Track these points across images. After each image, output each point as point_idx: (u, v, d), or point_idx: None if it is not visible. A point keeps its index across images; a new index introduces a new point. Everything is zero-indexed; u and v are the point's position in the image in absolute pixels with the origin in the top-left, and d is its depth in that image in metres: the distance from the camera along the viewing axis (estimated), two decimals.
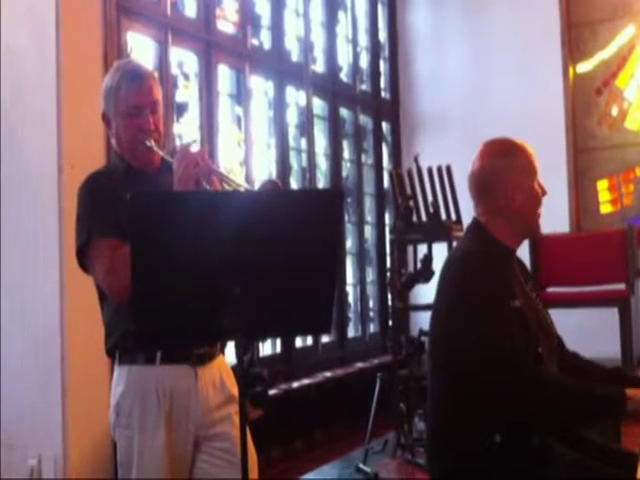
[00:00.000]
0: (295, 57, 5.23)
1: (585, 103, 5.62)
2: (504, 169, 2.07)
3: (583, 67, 5.66)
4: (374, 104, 6.07)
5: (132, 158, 2.04)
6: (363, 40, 6.11)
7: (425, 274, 3.77)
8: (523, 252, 2.19)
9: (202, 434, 1.99)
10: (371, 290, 5.92)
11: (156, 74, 3.99)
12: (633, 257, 4.66)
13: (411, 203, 4.04)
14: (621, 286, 4.58)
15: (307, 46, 5.27)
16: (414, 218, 4.02)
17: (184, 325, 1.69)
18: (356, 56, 5.93)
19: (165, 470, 1.94)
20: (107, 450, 3.25)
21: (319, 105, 5.45)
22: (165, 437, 1.94)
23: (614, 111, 5.55)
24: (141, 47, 3.97)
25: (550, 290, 4.76)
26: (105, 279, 1.92)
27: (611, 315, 4.47)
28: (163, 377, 1.96)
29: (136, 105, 2.01)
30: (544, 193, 2.12)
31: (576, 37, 5.65)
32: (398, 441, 3.63)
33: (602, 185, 5.60)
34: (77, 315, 3.19)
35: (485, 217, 2.12)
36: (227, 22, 4.66)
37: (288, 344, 4.74)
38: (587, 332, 4.78)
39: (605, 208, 5.58)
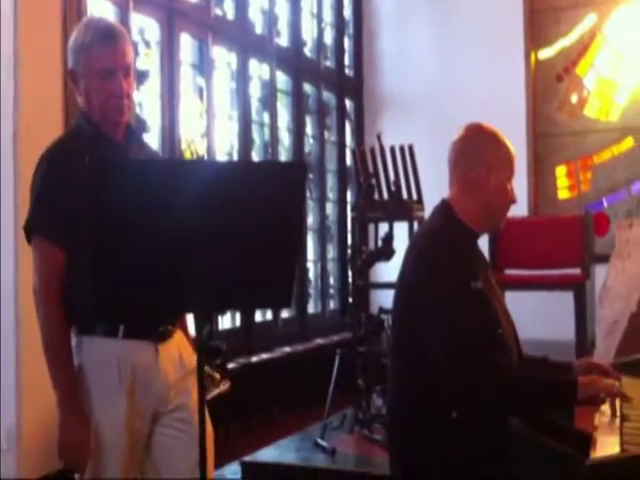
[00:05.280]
0: (259, 29, 5.16)
1: (546, 89, 5.66)
2: (489, 147, 2.11)
3: (545, 53, 5.69)
4: (338, 81, 6.03)
5: (102, 119, 1.99)
6: (328, 16, 6.05)
7: (386, 252, 3.76)
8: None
9: (161, 410, 1.98)
10: (332, 267, 5.92)
11: None
12: (589, 243, 4.73)
13: (373, 181, 4.02)
14: (577, 271, 4.65)
15: (271, 19, 5.21)
16: (376, 196, 4.01)
17: (143, 295, 1.67)
18: (321, 32, 5.87)
19: (124, 444, 1.92)
20: None
21: (283, 79, 5.39)
22: (126, 411, 1.91)
23: (574, 98, 5.61)
24: (101, 11, 3.86)
25: (507, 272, 4.82)
26: (39, 289, 1.92)
27: (567, 299, 4.53)
28: (125, 351, 1.93)
29: (109, 68, 1.95)
30: (514, 201, 2.15)
31: (538, 23, 5.68)
32: (356, 417, 3.63)
33: (561, 171, 5.66)
34: (31, 281, 3.12)
35: (455, 194, 2.13)
36: None
37: (247, 318, 4.71)
38: (543, 315, 4.86)
39: (563, 194, 5.65)
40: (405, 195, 4.04)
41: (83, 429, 1.89)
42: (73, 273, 1.91)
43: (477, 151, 2.10)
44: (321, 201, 5.72)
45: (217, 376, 2.18)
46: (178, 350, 2.03)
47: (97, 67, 1.94)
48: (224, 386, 2.15)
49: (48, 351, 1.91)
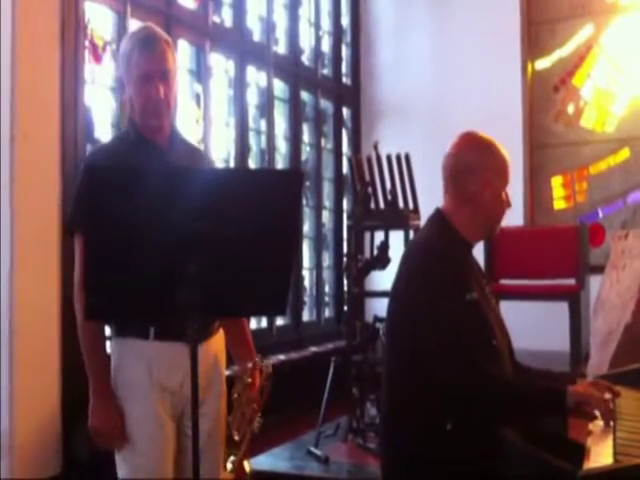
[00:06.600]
0: (257, 37, 5.17)
1: (542, 100, 5.68)
2: (480, 163, 2.08)
3: (542, 64, 5.71)
4: (335, 89, 6.05)
5: (143, 123, 2.03)
6: (326, 24, 6.06)
7: (381, 261, 3.77)
8: (478, 243, 2.22)
9: (188, 411, 1.95)
10: (327, 275, 5.92)
11: (114, 46, 3.91)
12: (584, 253, 4.74)
13: (369, 190, 4.03)
14: (572, 281, 4.66)
15: (269, 26, 5.22)
16: (372, 205, 4.02)
17: (139, 301, 1.67)
18: (318, 40, 5.88)
19: (156, 444, 1.94)
20: (55, 425, 3.21)
21: (280, 87, 5.40)
22: (156, 411, 1.94)
23: (570, 109, 5.62)
24: (99, 17, 3.87)
25: (502, 282, 4.82)
26: (76, 284, 1.96)
27: (561, 309, 4.54)
28: (156, 353, 1.95)
29: (146, 72, 1.97)
30: (508, 205, 2.14)
31: (535, 34, 5.70)
32: (350, 426, 3.63)
33: (556, 181, 5.67)
34: (28, 290, 3.11)
35: (450, 206, 2.12)
36: None
37: None
38: (537, 325, 4.86)
39: (559, 204, 5.66)
40: (401, 204, 4.05)
41: (112, 415, 1.94)
42: None
43: (471, 166, 2.08)
44: (317, 209, 5.73)
45: (248, 380, 2.25)
46: (215, 352, 2.06)
47: (136, 73, 1.98)
48: (268, 369, 2.29)
49: (83, 342, 1.97)
